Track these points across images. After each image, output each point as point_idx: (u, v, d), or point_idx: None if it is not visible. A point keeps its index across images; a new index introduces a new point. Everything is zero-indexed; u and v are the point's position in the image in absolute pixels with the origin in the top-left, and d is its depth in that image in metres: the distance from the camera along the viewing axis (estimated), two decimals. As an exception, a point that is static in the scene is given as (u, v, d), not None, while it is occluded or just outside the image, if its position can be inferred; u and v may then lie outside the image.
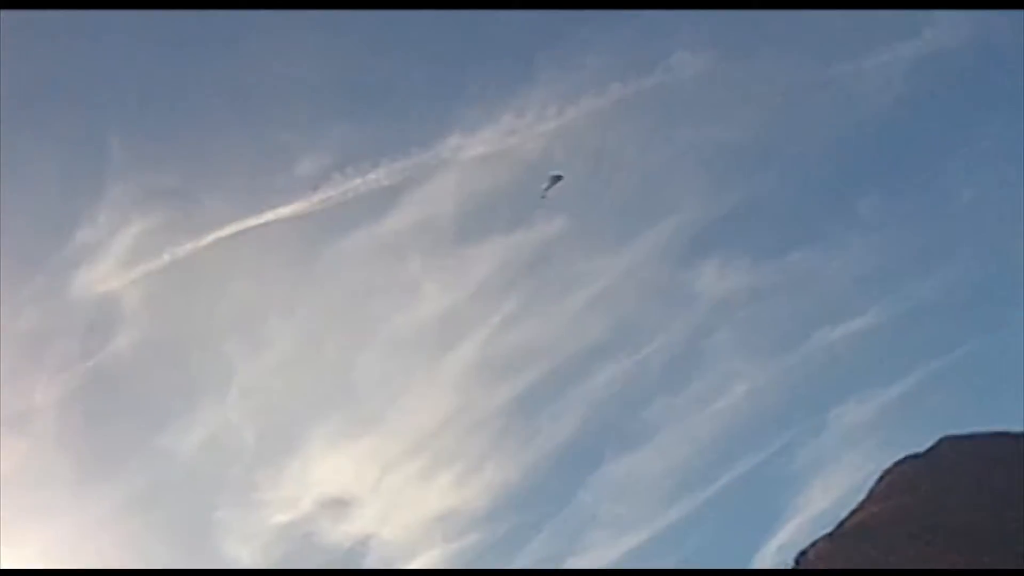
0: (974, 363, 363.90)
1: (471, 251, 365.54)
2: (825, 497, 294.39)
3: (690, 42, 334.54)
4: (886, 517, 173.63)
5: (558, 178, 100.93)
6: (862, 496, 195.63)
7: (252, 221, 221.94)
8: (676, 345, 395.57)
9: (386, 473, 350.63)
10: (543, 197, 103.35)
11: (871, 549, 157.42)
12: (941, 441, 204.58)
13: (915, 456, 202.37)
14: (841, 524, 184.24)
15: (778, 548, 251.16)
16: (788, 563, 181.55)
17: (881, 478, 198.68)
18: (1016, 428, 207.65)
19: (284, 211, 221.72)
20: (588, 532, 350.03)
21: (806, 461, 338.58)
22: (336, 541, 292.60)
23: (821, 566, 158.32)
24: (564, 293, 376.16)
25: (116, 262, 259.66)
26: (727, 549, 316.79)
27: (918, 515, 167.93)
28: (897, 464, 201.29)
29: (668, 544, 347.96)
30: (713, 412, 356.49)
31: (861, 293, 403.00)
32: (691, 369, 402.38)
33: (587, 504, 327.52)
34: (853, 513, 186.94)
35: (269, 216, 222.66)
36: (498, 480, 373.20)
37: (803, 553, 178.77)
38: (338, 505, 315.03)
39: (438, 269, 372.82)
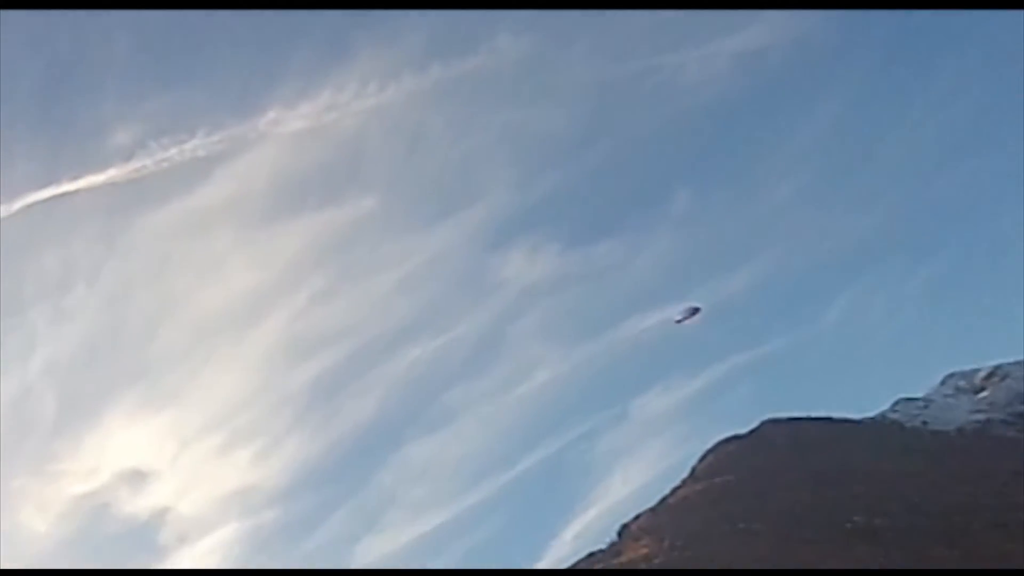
0: (794, 352, 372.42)
1: (281, 228, 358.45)
2: (624, 487, 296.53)
3: (514, 25, 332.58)
4: (709, 494, 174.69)
5: (696, 310, 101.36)
6: (684, 474, 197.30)
7: (63, 188, 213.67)
8: (480, 330, 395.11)
9: (186, 447, 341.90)
10: (678, 321, 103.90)
11: (694, 523, 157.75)
12: (763, 423, 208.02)
13: (738, 437, 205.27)
14: (664, 500, 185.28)
15: (574, 536, 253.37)
16: (585, 551, 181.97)
17: (704, 457, 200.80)
18: (836, 413, 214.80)
19: (96, 179, 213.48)
20: (385, 513, 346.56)
21: (605, 450, 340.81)
22: (133, 513, 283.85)
23: (644, 539, 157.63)
24: (372, 273, 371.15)
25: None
26: (524, 535, 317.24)
27: (740, 492, 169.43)
28: (720, 444, 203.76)
29: (465, 528, 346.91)
30: (514, 398, 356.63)
31: (671, 283, 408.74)
32: (494, 355, 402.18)
33: (386, 485, 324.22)
34: (676, 490, 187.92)
35: (81, 184, 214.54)
36: (298, 458, 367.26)
37: (625, 526, 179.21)
38: (136, 477, 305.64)
39: (247, 244, 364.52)
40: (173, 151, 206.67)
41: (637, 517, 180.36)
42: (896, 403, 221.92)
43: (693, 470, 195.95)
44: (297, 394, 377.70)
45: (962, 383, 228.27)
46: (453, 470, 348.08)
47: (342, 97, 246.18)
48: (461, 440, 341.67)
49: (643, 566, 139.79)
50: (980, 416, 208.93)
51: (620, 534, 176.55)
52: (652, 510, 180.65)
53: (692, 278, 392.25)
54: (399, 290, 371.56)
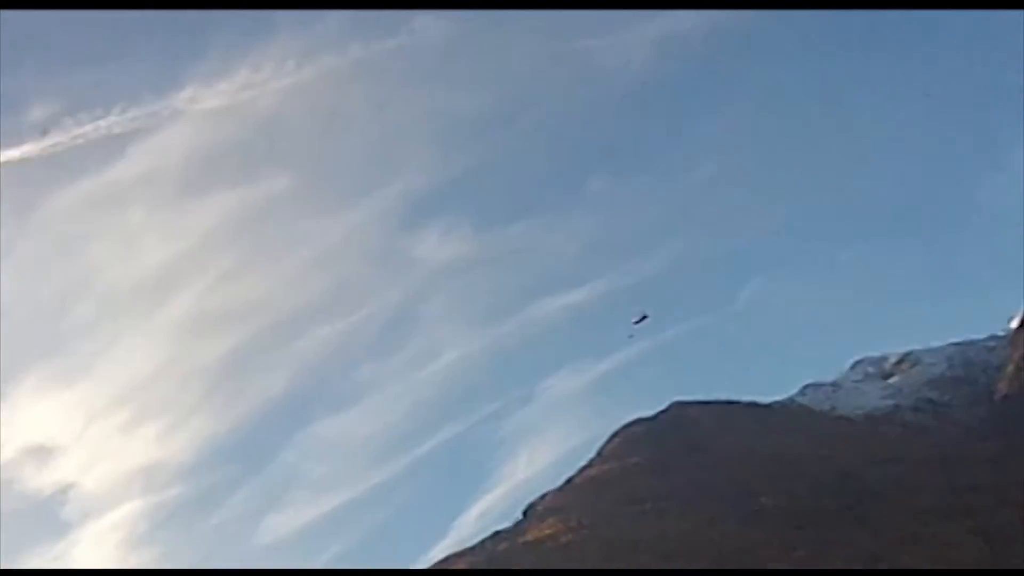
0: (704, 336, 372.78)
1: (195, 204, 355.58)
2: (530, 467, 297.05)
3: (435, 7, 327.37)
4: (616, 474, 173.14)
5: (645, 317, 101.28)
6: (591, 455, 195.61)
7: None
8: (391, 310, 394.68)
9: (92, 422, 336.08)
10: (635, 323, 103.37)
11: (600, 503, 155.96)
12: (671, 406, 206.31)
13: (646, 419, 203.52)
14: (570, 480, 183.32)
15: (480, 515, 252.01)
16: (490, 529, 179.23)
17: (611, 438, 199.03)
18: (745, 397, 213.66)
19: (11, 155, 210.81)
20: (290, 490, 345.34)
21: (512, 431, 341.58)
22: (37, 489, 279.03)
23: (550, 519, 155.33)
24: (284, 251, 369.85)
25: None
26: (429, 514, 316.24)
27: (647, 473, 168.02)
28: (628, 425, 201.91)
29: (370, 506, 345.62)
30: (423, 378, 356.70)
31: (583, 267, 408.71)
32: (404, 334, 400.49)
33: (291, 463, 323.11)
34: (583, 470, 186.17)
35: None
36: (204, 434, 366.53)
37: (531, 506, 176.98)
38: (41, 453, 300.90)
39: (160, 220, 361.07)
40: (89, 127, 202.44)
41: (543, 496, 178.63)
42: (805, 388, 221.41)
43: (600, 451, 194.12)
44: (206, 370, 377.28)
45: (871, 369, 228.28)
46: (359, 448, 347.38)
47: (260, 75, 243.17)
48: (368, 419, 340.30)
49: (548, 545, 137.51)
50: (889, 402, 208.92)
51: (526, 513, 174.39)
52: (559, 490, 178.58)
53: (605, 261, 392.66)
54: (311, 268, 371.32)
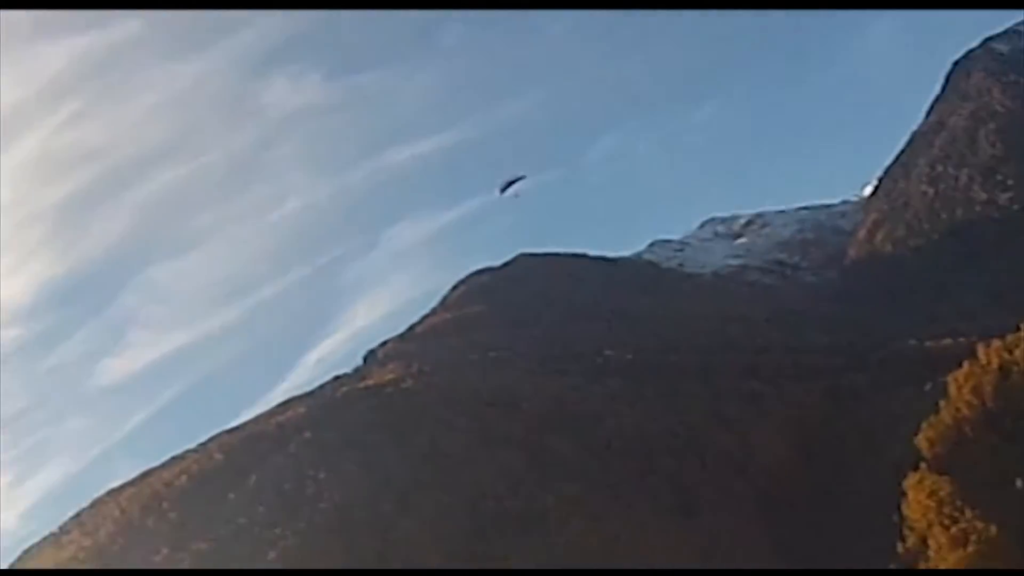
0: (554, 189, 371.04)
1: (44, 48, 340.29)
2: (371, 314, 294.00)
3: None
4: (460, 323, 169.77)
5: (520, 178, 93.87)
6: (434, 304, 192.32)
7: None
8: (237, 156, 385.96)
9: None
10: (509, 192, 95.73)
11: (443, 351, 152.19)
12: (518, 257, 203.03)
13: (491, 269, 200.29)
14: (412, 327, 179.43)
15: (318, 360, 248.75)
16: (330, 374, 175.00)
17: (456, 287, 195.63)
18: (592, 251, 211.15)
19: None
20: (129, 332, 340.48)
21: (354, 278, 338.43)
22: None
23: (391, 365, 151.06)
24: (131, 96, 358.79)
25: None
26: (268, 357, 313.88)
27: (491, 323, 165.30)
28: (473, 275, 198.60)
29: (210, 349, 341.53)
30: (266, 224, 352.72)
31: (433, 117, 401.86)
32: (250, 180, 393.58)
33: (131, 305, 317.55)
34: (425, 318, 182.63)
35: None
36: (43, 277, 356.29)
37: (372, 352, 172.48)
38: None
39: (8, 63, 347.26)
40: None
41: (385, 343, 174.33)
42: (652, 244, 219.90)
43: (444, 299, 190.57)
44: (47, 213, 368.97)
45: (721, 228, 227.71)
46: (201, 292, 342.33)
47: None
48: (211, 263, 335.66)
49: (389, 390, 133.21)
50: (736, 261, 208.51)
51: (367, 359, 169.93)
52: (400, 337, 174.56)
53: (455, 112, 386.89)
54: (158, 113, 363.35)
